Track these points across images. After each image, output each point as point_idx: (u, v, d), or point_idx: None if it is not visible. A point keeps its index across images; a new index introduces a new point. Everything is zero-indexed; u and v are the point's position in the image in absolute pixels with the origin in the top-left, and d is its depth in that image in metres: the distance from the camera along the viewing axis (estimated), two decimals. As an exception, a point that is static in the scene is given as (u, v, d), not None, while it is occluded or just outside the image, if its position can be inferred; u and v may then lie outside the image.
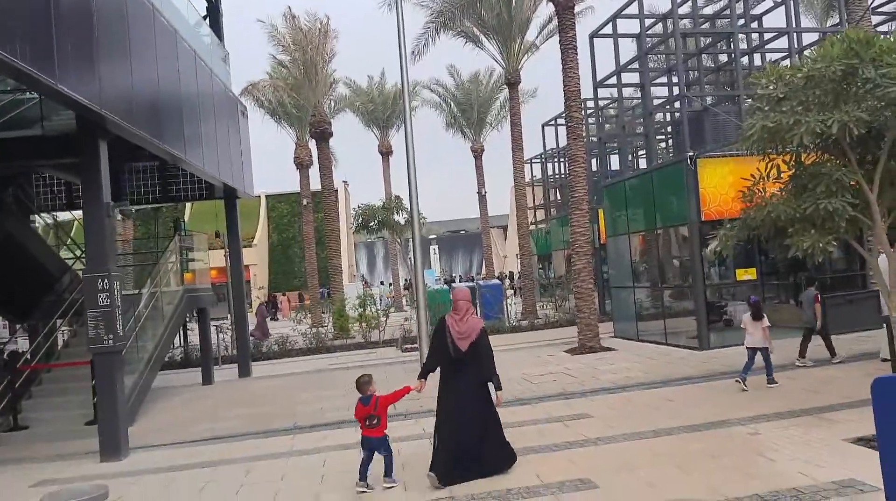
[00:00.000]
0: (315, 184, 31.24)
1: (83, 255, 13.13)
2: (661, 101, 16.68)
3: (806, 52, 7.85)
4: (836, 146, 7.52)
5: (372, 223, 18.27)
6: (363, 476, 6.13)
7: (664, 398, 8.92)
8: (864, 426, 6.52)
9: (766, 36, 15.18)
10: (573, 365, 12.23)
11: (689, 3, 15.67)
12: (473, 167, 35.75)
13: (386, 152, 40.46)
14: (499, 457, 6.21)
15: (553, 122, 26.97)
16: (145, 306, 12.40)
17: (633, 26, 16.08)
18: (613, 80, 16.44)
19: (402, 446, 7.35)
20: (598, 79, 16.59)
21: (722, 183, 12.62)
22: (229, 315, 21.11)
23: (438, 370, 6.40)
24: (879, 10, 16.55)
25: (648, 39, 15.77)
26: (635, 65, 16.74)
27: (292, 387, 13.01)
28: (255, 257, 43.45)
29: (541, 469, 6.19)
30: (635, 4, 14.88)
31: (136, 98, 9.46)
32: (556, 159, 29.68)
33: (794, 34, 13.84)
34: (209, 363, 14.92)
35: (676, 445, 6.61)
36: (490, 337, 6.37)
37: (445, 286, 23.57)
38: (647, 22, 15.61)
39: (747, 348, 9.19)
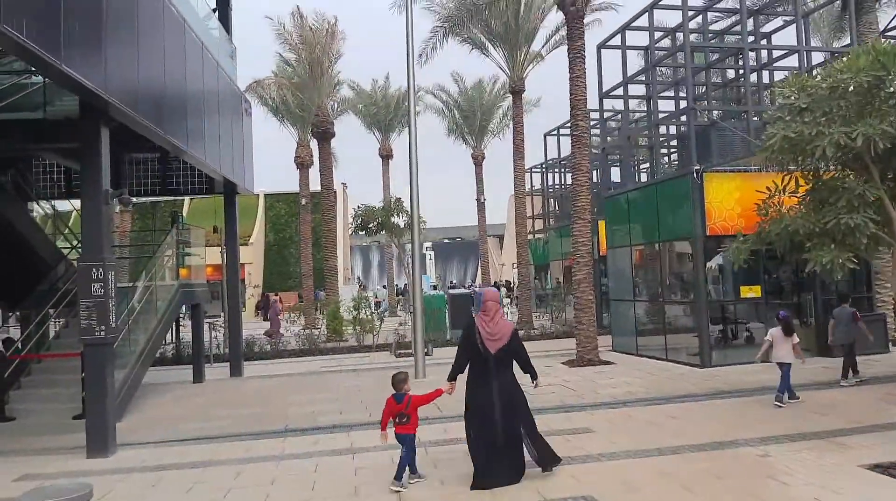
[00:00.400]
0: (314, 185, 31.04)
1: (79, 245, 12.91)
2: (666, 114, 16.55)
3: (832, 64, 7.66)
4: (856, 160, 7.36)
5: (371, 225, 18.06)
6: (412, 468, 6.35)
7: (667, 415, 8.73)
8: (879, 452, 6.38)
9: (776, 54, 15.09)
10: (571, 378, 12.03)
11: (700, 18, 15.63)
12: (471, 175, 35.66)
13: (386, 156, 40.31)
14: (539, 456, 6.20)
15: (555, 132, 26.89)
16: (139, 300, 12.17)
17: (641, 39, 16.01)
18: (619, 91, 16.34)
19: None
20: (605, 90, 16.47)
21: (728, 198, 12.49)
22: (223, 313, 20.90)
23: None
24: (888, 32, 16.52)
25: (657, 52, 15.67)
26: (642, 77, 16.68)
27: (284, 389, 12.78)
28: (251, 256, 43.12)
29: (542, 486, 5.99)
30: (645, 17, 14.80)
31: (141, 86, 9.27)
32: (556, 170, 29.59)
33: (804, 53, 13.75)
34: (201, 360, 14.65)
35: (682, 465, 6.42)
36: None
37: (441, 293, 23.34)
38: (657, 35, 15.49)
39: (777, 363, 9.18)
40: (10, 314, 15.52)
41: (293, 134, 31.55)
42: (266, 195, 48.56)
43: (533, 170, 31.10)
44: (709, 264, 12.92)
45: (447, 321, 21.20)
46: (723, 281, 13.67)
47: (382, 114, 39.11)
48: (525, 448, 6.20)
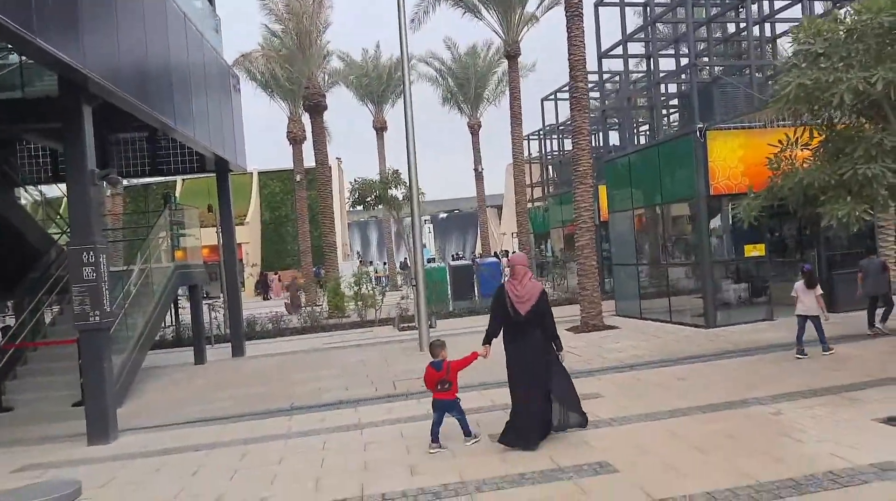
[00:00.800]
0: (308, 160, 30.63)
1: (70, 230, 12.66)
2: (666, 73, 16.16)
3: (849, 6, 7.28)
4: (873, 108, 7.04)
5: (369, 198, 17.76)
6: (435, 437, 6.31)
7: (675, 376, 8.59)
8: (893, 406, 6.24)
9: (778, 5, 14.66)
10: (577, 344, 11.90)
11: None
12: (467, 146, 35.35)
13: (380, 128, 39.80)
14: (573, 415, 6.36)
15: (553, 96, 26.42)
16: (134, 283, 11.97)
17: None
18: (618, 51, 15.93)
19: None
20: (603, 50, 16.05)
21: (731, 156, 12.22)
22: (222, 294, 20.73)
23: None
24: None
25: (656, 8, 15.20)
26: (641, 36, 16.24)
27: (288, 367, 12.66)
28: (248, 236, 42.83)
29: (554, 452, 5.86)
30: (643, -29, 14.36)
31: (121, 60, 8.93)
32: (555, 136, 29.17)
33: (808, 2, 13.33)
34: (201, 342, 14.52)
35: (693, 426, 6.29)
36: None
37: (442, 265, 23.17)
38: (656, -11, 15.04)
39: (798, 316, 9.24)
40: (5, 302, 15.32)
41: (284, 109, 31.06)
42: (260, 173, 48.03)
43: (530, 137, 30.68)
44: (712, 225, 12.69)
45: (449, 292, 21.08)
46: (725, 240, 13.46)
47: (375, 85, 38.52)
48: (553, 411, 6.29)
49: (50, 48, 6.73)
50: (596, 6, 15.77)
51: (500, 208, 57.21)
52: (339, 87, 37.00)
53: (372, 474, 5.80)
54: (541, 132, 29.55)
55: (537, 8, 25.13)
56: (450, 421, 6.43)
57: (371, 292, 20.01)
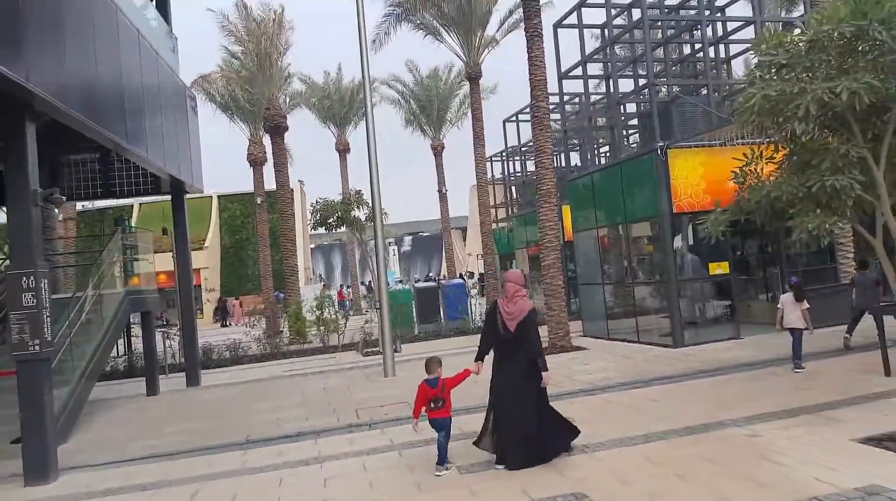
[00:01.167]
0: (270, 183, 30.08)
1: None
2: (626, 94, 16.32)
3: (811, 15, 7.31)
4: (836, 119, 7.03)
5: (331, 220, 17.38)
6: (443, 459, 6.18)
7: (647, 398, 8.41)
8: (868, 425, 6.14)
9: (731, 26, 14.97)
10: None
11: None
12: (429, 170, 35.29)
13: (343, 150, 39.49)
14: (558, 438, 6.20)
15: (514, 118, 26.53)
16: (81, 310, 11.31)
17: (597, 17, 15.72)
18: (578, 71, 16.02)
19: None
20: (563, 70, 16.13)
21: (693, 174, 12.27)
22: (178, 321, 19.95)
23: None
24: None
25: (614, 30, 15.36)
26: (600, 57, 16.38)
27: (245, 396, 12.09)
28: (206, 260, 41.77)
29: (527, 483, 5.56)
30: (600, -7, 14.51)
31: (69, 76, 8.49)
32: (517, 157, 29.24)
33: (761, 23, 13.60)
34: (154, 371, 13.82)
35: (671, 451, 6.06)
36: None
37: (407, 287, 22.82)
38: (613, 12, 15.20)
39: (787, 328, 9.27)
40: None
41: (244, 130, 30.56)
42: (220, 197, 47.12)
43: (493, 159, 30.72)
44: (676, 244, 12.69)
45: (414, 315, 20.72)
46: (690, 259, 13.48)
47: (337, 107, 38.29)
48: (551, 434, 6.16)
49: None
50: (555, 27, 15.88)
51: (464, 229, 57.27)
52: (300, 109, 36.68)
53: (333, 512, 5.42)
54: (503, 153, 29.61)
55: (497, 31, 25.35)
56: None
57: (334, 316, 19.50)
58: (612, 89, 15.17)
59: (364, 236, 18.38)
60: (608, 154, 21.35)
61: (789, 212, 7.18)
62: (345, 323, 19.85)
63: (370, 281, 44.65)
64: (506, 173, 30.50)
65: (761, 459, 5.51)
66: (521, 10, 14.90)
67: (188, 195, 15.31)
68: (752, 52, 7.54)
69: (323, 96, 38.21)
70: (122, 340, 17.43)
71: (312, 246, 61.12)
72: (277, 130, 24.22)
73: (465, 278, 32.82)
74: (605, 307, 14.73)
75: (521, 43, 14.08)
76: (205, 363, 16.40)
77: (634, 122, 17.58)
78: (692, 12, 15.44)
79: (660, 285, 12.95)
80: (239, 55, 26.47)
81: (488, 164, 28.26)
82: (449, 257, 36.18)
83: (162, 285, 18.06)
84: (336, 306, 21.72)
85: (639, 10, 13.75)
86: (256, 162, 29.94)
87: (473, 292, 26.65)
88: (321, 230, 20.95)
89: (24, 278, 7.78)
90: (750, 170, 7.95)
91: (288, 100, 32.74)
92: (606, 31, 15.45)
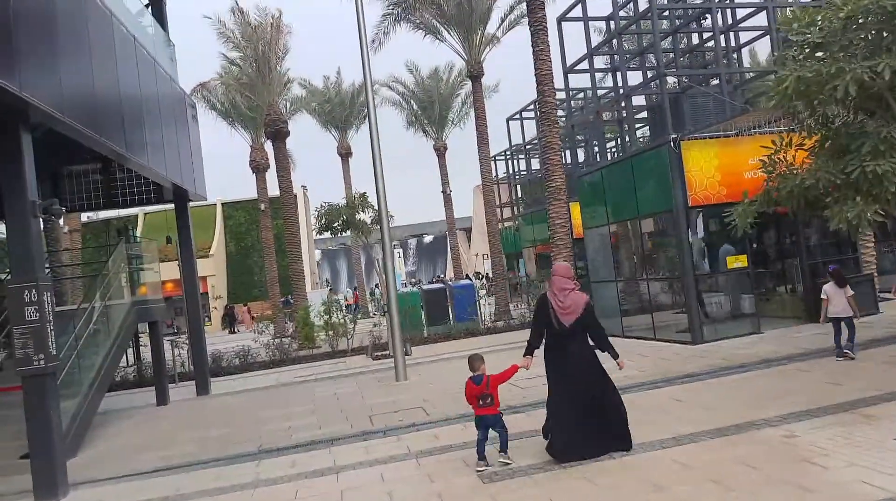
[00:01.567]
0: (273, 190, 29.93)
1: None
2: (635, 86, 16.01)
3: None
4: (872, 100, 6.64)
5: (336, 224, 17.15)
6: (481, 455, 6.11)
7: (671, 398, 8.12)
8: (912, 422, 5.85)
9: (741, 14, 14.65)
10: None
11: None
12: (431, 172, 35.18)
13: (345, 154, 39.35)
14: (612, 436, 6.03)
15: (518, 116, 26.27)
16: (87, 322, 11.11)
17: (602, 9, 15.43)
18: (584, 65, 15.73)
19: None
20: (569, 64, 15.84)
21: (708, 166, 11.98)
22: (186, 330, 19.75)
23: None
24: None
25: (621, 21, 15.08)
26: (606, 49, 16.09)
27: (256, 404, 11.86)
28: (213, 268, 41.64)
29: (554, 492, 5.29)
30: (605, -15, 14.22)
31: (64, 84, 8.26)
32: (521, 155, 29.00)
33: (773, 9, 13.28)
34: (163, 381, 13.62)
35: (704, 454, 5.78)
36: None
37: (415, 289, 22.58)
38: (619, 2, 14.90)
39: (831, 318, 9.05)
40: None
41: (245, 137, 30.48)
42: (223, 204, 47.04)
43: (497, 158, 30.48)
44: (692, 238, 12.38)
45: (423, 318, 20.47)
46: (708, 253, 13.17)
47: (338, 111, 38.15)
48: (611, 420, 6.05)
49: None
50: (559, 21, 15.57)
51: (468, 230, 56.99)
52: (301, 114, 36.55)
53: (351, 527, 5.16)
54: (508, 152, 29.36)
55: (498, 28, 25.09)
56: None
57: (342, 320, 19.27)
58: (619, 82, 14.87)
59: (369, 238, 18.13)
60: (614, 150, 21.06)
61: (825, 201, 6.83)
62: (353, 327, 19.64)
63: (376, 284, 44.53)
64: (509, 172, 30.25)
65: (802, 462, 5.23)
66: (522, 5, 14.67)
67: (192, 203, 15.13)
68: (788, 27, 7.07)
69: (323, 101, 38.08)
70: (130, 349, 17.24)
71: (318, 251, 60.96)
72: (279, 136, 24.03)
73: (474, 278, 32.49)
74: (619, 305, 14.44)
75: (521, 41, 13.91)
76: (214, 371, 16.19)
77: (642, 116, 17.27)
78: (700, 0, 15.13)
79: (676, 280, 12.64)
80: (237, 61, 26.31)
81: (492, 163, 28.01)
82: (455, 258, 35.91)
83: (168, 293, 17.90)
84: (344, 310, 21.48)
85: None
86: (259, 168, 29.80)
87: (482, 292, 26.34)
88: (326, 235, 20.76)
89: (27, 292, 7.56)
90: (779, 158, 7.61)
91: (288, 105, 32.61)
92: (612, 22, 15.18)
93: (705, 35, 15.53)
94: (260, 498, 6.28)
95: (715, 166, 11.98)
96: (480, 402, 6.11)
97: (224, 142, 54.34)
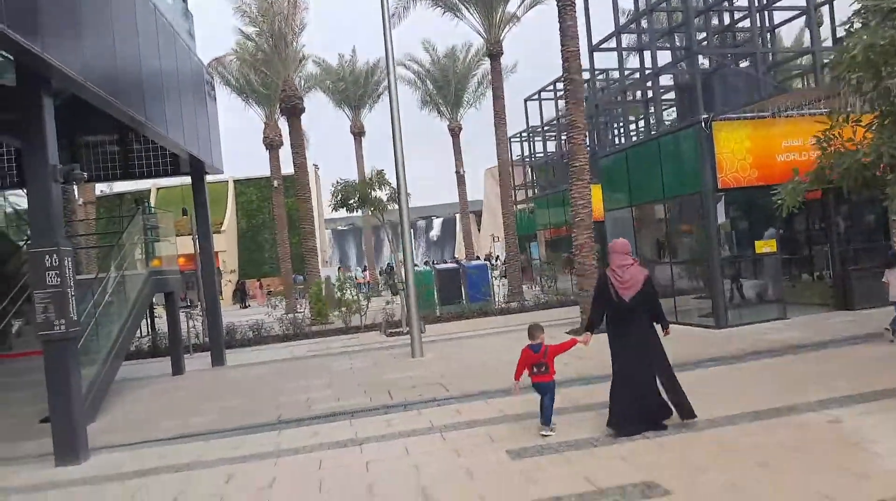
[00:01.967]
0: (286, 167, 29.77)
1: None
2: (664, 65, 15.61)
3: None
4: None
5: (352, 201, 16.99)
6: (548, 420, 6.26)
7: (700, 380, 7.90)
8: (959, 410, 5.65)
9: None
10: (581, 348, 11.20)
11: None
12: (442, 155, 35.09)
13: (358, 133, 39.09)
14: (672, 404, 6.14)
15: (537, 96, 25.88)
16: (104, 290, 11.04)
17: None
18: (609, 44, 15.37)
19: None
20: (594, 43, 15.48)
21: (739, 148, 11.68)
22: (200, 302, 19.71)
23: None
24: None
25: (650, -1, 14.68)
26: (634, 27, 15.71)
27: (272, 376, 11.80)
28: (224, 244, 41.65)
29: (589, 471, 5.15)
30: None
31: (86, 49, 8.10)
32: (538, 137, 28.60)
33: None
34: (179, 351, 13.58)
35: (743, 437, 5.60)
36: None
37: (428, 268, 22.43)
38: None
39: (893, 303, 9.03)
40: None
41: (259, 114, 30.26)
42: (235, 181, 46.91)
43: (512, 139, 30.10)
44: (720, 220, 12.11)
45: (436, 297, 20.35)
46: (735, 237, 12.91)
47: (351, 89, 37.83)
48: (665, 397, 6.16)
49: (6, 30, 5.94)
50: (585, -2, 15.19)
51: (478, 213, 56.72)
52: (315, 93, 36.23)
53: (379, 499, 5.04)
54: (526, 133, 28.94)
55: (519, 6, 24.65)
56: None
57: (356, 297, 19.18)
58: (648, 61, 14.52)
59: (386, 215, 17.94)
60: (639, 131, 20.68)
61: (884, 179, 6.52)
62: (367, 304, 19.56)
63: (388, 264, 44.38)
64: (524, 153, 29.86)
65: (851, 447, 5.05)
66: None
67: (206, 178, 14.96)
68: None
69: (337, 79, 37.74)
70: (145, 320, 17.24)
71: (327, 231, 60.93)
72: (294, 112, 23.79)
73: (489, 260, 32.29)
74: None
75: (541, 20, 13.52)
76: (228, 343, 16.21)
77: (669, 97, 16.90)
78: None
79: (702, 263, 12.39)
80: (253, 36, 25.98)
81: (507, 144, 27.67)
82: (467, 240, 35.69)
83: (181, 267, 17.79)
84: (357, 288, 21.42)
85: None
86: (272, 145, 29.59)
87: (496, 273, 26.15)
88: (342, 212, 20.57)
89: (48, 257, 7.45)
90: (834, 134, 7.29)
91: (302, 83, 32.30)
92: (641, 0, 14.79)
93: (737, 15, 15.11)
94: (284, 468, 6.17)
95: (746, 148, 11.68)
96: (535, 369, 6.27)
97: (237, 119, 54.16)
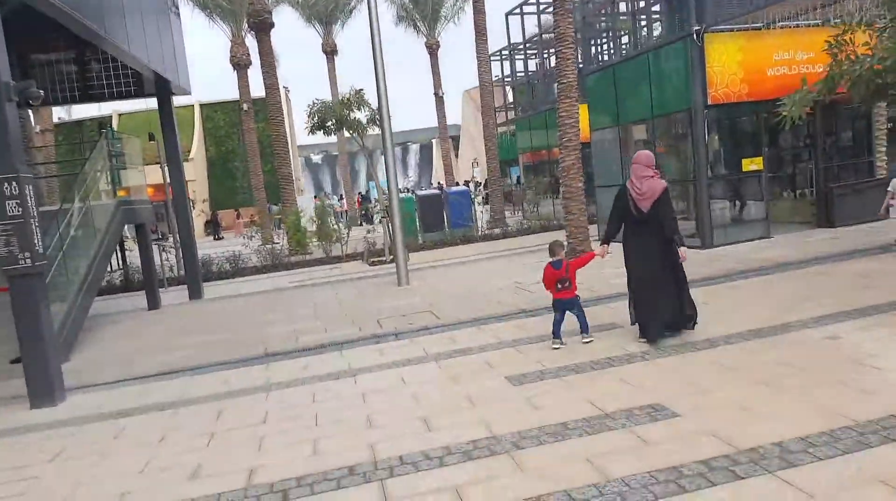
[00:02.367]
0: (255, 89, 28.50)
1: None
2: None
3: None
4: None
5: (329, 123, 16.25)
6: (557, 334, 6.43)
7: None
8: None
9: None
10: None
11: None
12: (415, 76, 33.90)
13: (331, 52, 37.42)
14: (687, 312, 6.30)
15: (518, 10, 24.76)
16: (72, 221, 10.51)
17: None
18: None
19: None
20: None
21: (730, 62, 11.26)
22: (171, 235, 19.17)
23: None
24: None
25: None
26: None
27: (254, 308, 11.54)
28: (193, 173, 40.32)
29: (592, 395, 5.02)
30: None
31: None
32: (519, 55, 27.60)
33: None
34: (154, 285, 13.19)
35: (743, 356, 5.52)
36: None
37: (409, 195, 22.01)
38: None
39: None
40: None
41: (225, 31, 28.66)
42: (202, 105, 45.08)
43: (491, 58, 29.02)
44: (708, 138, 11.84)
45: (418, 224, 20.05)
46: (725, 153, 12.67)
47: (321, 3, 35.86)
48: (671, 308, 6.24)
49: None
50: None
51: (455, 138, 55.70)
52: (283, 7, 34.36)
53: (379, 431, 4.87)
54: (507, 50, 27.87)
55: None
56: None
57: (336, 226, 18.77)
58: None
59: (365, 137, 17.29)
60: (627, 46, 19.96)
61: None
62: (347, 233, 19.20)
63: (366, 191, 43.65)
64: (504, 74, 28.90)
65: (854, 363, 4.98)
66: None
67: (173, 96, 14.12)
68: None
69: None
70: (116, 254, 16.70)
71: (300, 158, 59.51)
72: (263, 27, 22.42)
73: (471, 186, 31.83)
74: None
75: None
76: (205, 276, 15.81)
77: (655, 9, 16.19)
78: None
79: (688, 182, 12.19)
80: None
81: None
82: (447, 165, 35.07)
83: (151, 198, 17.14)
84: (337, 217, 20.98)
85: None
86: (240, 65, 28.23)
87: (479, 199, 25.81)
88: (315, 138, 19.81)
89: (6, 185, 6.91)
90: (846, 39, 6.94)
91: (270, -3, 30.49)
92: None
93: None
94: (276, 400, 5.98)
95: (738, 62, 11.27)
96: (559, 286, 6.34)
97: (201, 38, 51.53)
